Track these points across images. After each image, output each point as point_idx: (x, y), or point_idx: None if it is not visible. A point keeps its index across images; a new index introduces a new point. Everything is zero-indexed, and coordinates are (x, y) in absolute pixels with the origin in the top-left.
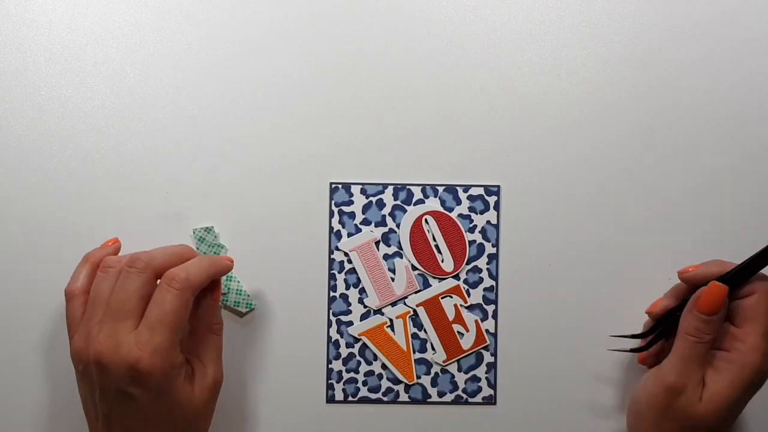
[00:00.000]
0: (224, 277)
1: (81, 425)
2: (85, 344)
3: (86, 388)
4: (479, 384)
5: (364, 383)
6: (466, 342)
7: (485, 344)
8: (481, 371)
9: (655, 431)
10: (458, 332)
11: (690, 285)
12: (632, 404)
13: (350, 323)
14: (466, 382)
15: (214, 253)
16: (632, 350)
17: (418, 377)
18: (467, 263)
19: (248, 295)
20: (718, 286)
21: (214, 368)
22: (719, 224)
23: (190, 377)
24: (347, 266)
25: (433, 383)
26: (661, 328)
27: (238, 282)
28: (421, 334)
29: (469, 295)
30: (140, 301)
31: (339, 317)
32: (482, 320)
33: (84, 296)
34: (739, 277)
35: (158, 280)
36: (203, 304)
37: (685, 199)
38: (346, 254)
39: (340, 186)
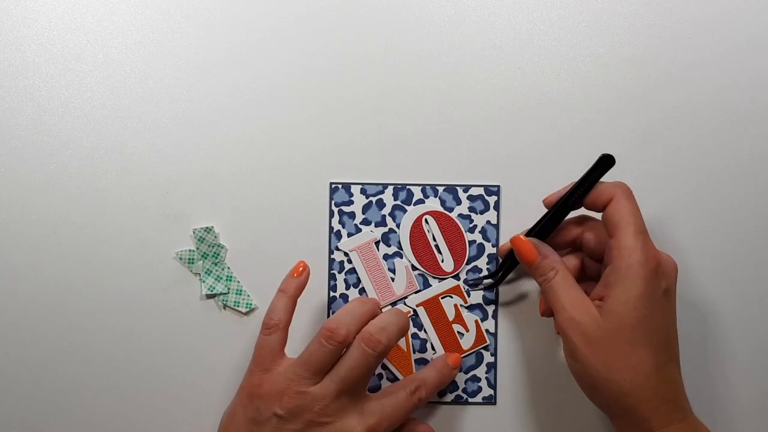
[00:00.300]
0: (224, 277)
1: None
2: (298, 397)
3: (267, 428)
4: (479, 384)
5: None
6: (466, 342)
7: (485, 344)
8: (481, 371)
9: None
10: (458, 332)
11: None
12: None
13: None
14: (466, 382)
15: (215, 253)
16: (486, 288)
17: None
18: (467, 263)
19: (248, 295)
20: (517, 242)
21: None
22: (719, 224)
23: None
24: (347, 266)
25: None
26: (509, 262)
27: (238, 282)
28: (421, 334)
29: (469, 295)
30: (366, 381)
31: None
32: (482, 320)
33: (282, 332)
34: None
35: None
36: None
37: (684, 199)
38: (346, 254)
39: (340, 186)
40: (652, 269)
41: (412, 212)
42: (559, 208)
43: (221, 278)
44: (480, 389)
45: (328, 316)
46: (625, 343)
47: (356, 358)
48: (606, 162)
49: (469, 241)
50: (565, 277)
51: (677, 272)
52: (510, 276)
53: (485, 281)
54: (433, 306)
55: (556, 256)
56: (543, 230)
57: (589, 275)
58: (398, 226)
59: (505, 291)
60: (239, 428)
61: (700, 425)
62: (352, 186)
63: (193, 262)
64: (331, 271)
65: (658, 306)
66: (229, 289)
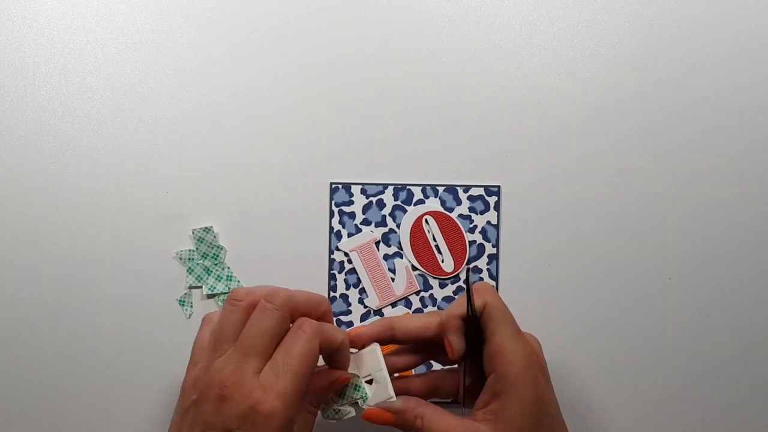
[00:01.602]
0: (225, 277)
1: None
2: (206, 374)
3: (188, 421)
4: None
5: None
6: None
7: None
8: None
9: None
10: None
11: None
12: None
13: (350, 323)
14: None
15: (214, 254)
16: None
17: None
18: (467, 263)
19: None
20: (369, 416)
21: None
22: (719, 224)
23: None
24: (347, 266)
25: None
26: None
27: (239, 282)
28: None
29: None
30: (272, 341)
31: (339, 317)
32: None
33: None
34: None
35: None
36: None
37: (684, 199)
38: (346, 254)
39: (340, 186)
40: (536, 368)
41: (413, 212)
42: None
43: (221, 278)
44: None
45: None
46: None
47: (256, 317)
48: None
49: (469, 242)
50: (432, 415)
51: (541, 347)
52: (513, 279)
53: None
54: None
55: (410, 402)
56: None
57: (443, 386)
58: (398, 226)
59: (505, 291)
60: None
61: None
62: (353, 186)
63: (192, 262)
64: (331, 271)
65: (547, 401)
66: (229, 288)
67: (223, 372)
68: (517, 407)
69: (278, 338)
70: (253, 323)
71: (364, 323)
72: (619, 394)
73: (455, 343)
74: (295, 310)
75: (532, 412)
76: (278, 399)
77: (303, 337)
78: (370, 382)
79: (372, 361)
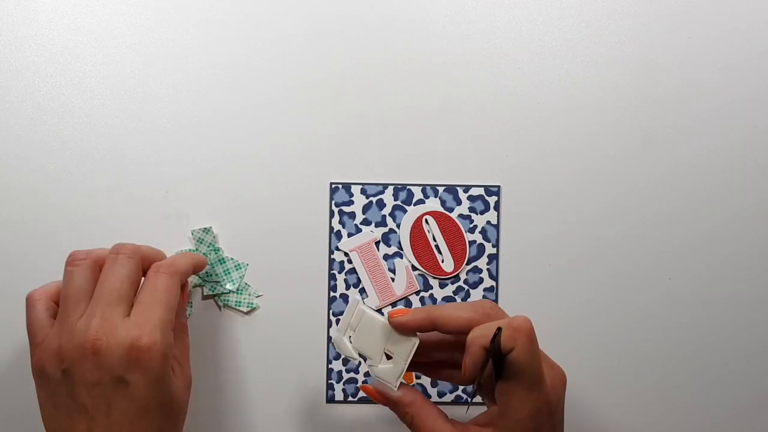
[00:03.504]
0: (227, 279)
1: None
2: (70, 339)
3: (64, 393)
4: None
5: (364, 383)
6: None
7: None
8: None
9: None
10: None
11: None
12: None
13: None
14: None
15: (214, 254)
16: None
17: (418, 377)
18: (467, 263)
19: (249, 295)
20: (368, 390)
21: (188, 368)
22: (719, 224)
23: (174, 372)
24: (347, 266)
25: (433, 383)
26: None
27: (236, 282)
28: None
29: (469, 296)
30: (132, 287)
31: (339, 317)
32: None
33: (48, 301)
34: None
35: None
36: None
37: (684, 199)
38: (346, 254)
39: (340, 186)
40: (544, 417)
41: (413, 212)
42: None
43: (221, 278)
44: None
45: (329, 315)
46: None
47: (109, 269)
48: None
49: (469, 242)
50: (425, 416)
51: (564, 384)
52: (513, 279)
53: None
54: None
55: (408, 396)
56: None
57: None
58: (398, 226)
59: (505, 291)
60: (58, 408)
61: None
62: (353, 186)
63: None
64: (331, 271)
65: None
66: (230, 288)
67: (91, 327)
68: (516, 425)
69: (136, 284)
70: (108, 275)
71: (399, 307)
72: (619, 394)
73: (470, 369)
74: (146, 258)
75: (529, 427)
76: (155, 331)
77: (164, 276)
78: (389, 357)
79: (402, 349)
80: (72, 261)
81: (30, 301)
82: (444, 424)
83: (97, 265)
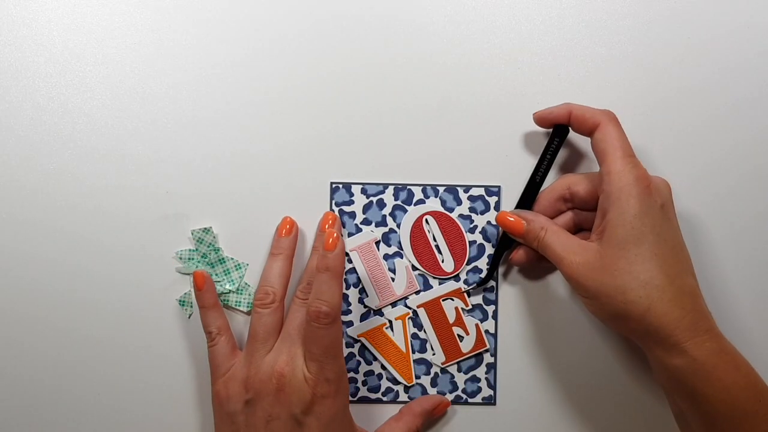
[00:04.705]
0: (229, 280)
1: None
2: (256, 371)
3: (242, 419)
4: (479, 384)
5: (364, 383)
6: (466, 345)
7: (485, 348)
8: (480, 372)
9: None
10: (458, 335)
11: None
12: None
13: (350, 323)
14: (465, 383)
15: (214, 254)
16: (485, 282)
17: (418, 377)
18: (467, 263)
19: (249, 295)
20: (502, 220)
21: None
22: (719, 223)
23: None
24: (347, 266)
25: (433, 383)
26: (501, 243)
27: (235, 282)
28: (421, 334)
29: (469, 296)
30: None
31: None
32: (482, 321)
33: (228, 333)
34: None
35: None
36: None
37: (685, 198)
38: (346, 254)
39: (340, 186)
40: (643, 187)
41: (413, 212)
42: (529, 185)
43: (221, 278)
44: (480, 390)
45: None
46: (632, 263)
47: (293, 310)
48: (561, 131)
49: (469, 242)
50: (555, 231)
51: (671, 191)
52: (513, 279)
53: (486, 283)
54: (433, 308)
55: (541, 218)
56: (525, 201)
57: (587, 227)
58: (398, 226)
59: (505, 291)
60: None
61: (724, 338)
62: (353, 186)
63: (192, 262)
64: None
65: (656, 221)
66: (231, 288)
67: (278, 363)
68: (618, 220)
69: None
70: (293, 318)
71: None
72: (619, 394)
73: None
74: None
75: (634, 226)
76: (329, 384)
77: (341, 326)
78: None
79: None
80: (261, 304)
81: (214, 336)
82: (570, 236)
83: (283, 305)
